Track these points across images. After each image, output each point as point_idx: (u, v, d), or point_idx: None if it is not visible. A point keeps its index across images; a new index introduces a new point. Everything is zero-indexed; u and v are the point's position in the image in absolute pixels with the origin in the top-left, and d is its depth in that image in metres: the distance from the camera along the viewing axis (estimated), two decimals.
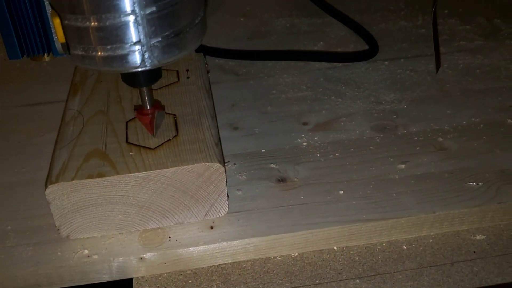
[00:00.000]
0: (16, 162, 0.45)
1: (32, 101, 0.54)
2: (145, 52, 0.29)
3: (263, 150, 0.45)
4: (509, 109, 0.49)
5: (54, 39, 0.36)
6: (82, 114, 0.41)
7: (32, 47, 0.39)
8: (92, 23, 0.28)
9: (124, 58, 0.29)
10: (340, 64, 0.57)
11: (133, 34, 0.29)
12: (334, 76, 0.55)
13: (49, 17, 0.35)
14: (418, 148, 0.44)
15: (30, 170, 0.44)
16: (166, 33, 0.30)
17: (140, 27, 0.29)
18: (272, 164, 0.43)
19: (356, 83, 0.54)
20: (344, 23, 0.65)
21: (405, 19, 0.66)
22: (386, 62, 0.57)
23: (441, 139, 0.45)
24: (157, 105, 0.37)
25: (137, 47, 0.29)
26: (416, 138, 0.46)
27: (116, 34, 0.28)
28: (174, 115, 0.40)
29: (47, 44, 0.39)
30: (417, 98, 0.51)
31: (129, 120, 0.40)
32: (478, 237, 0.39)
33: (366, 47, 0.60)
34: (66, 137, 0.38)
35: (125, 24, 0.28)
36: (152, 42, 0.29)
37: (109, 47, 0.29)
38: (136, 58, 0.29)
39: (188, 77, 0.45)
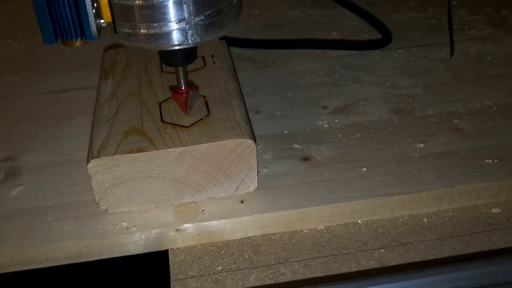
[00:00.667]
0: (49, 145, 0.47)
1: (57, 89, 0.56)
2: (188, 30, 0.31)
3: (285, 132, 0.47)
4: None
5: (91, 23, 0.38)
6: (116, 96, 0.42)
7: (66, 31, 0.41)
8: (140, 2, 0.30)
9: (169, 35, 0.31)
10: (355, 52, 0.59)
11: (178, 12, 0.31)
12: (350, 63, 0.57)
13: (85, 1, 0.37)
14: (435, 129, 0.46)
15: (63, 151, 0.46)
16: (208, 12, 0.32)
17: (185, 6, 0.30)
18: (295, 145, 0.45)
19: (372, 69, 0.56)
20: (356, 14, 0.67)
21: (415, 10, 0.68)
22: (400, 50, 0.59)
23: (456, 120, 0.47)
24: (191, 85, 0.39)
25: (182, 25, 0.31)
26: (432, 120, 0.48)
27: (162, 12, 0.30)
28: (204, 96, 0.42)
29: (80, 29, 0.41)
30: (431, 83, 0.53)
31: (162, 101, 0.42)
32: (494, 211, 0.41)
33: (379, 36, 0.62)
34: (103, 117, 0.40)
35: (172, 3, 0.30)
36: (195, 20, 0.31)
37: (155, 24, 0.31)
38: (180, 35, 0.31)
39: (214, 62, 0.47)
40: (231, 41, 0.61)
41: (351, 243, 0.39)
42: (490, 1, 0.69)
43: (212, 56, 0.48)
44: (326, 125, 0.48)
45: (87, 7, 0.37)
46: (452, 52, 0.52)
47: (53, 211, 0.40)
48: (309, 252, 0.38)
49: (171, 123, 0.39)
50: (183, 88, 0.38)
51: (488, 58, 0.57)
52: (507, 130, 0.46)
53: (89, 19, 0.38)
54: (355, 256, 0.38)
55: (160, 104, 0.41)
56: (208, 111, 0.40)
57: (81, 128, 0.48)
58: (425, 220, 0.40)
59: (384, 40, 0.60)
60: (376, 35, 0.62)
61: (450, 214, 0.41)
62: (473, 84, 0.53)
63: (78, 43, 0.41)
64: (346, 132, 0.47)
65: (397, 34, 0.62)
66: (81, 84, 0.56)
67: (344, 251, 0.38)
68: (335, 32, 0.64)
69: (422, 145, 0.44)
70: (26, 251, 0.37)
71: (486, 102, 0.50)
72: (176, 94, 0.38)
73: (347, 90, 0.52)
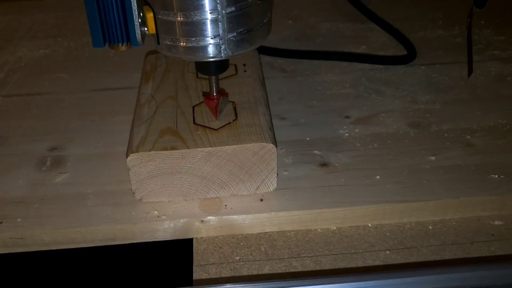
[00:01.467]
0: (92, 138, 0.52)
1: (101, 87, 0.61)
2: (222, 44, 0.35)
3: (307, 138, 0.51)
4: None
5: (137, 31, 0.43)
6: (155, 98, 0.47)
7: (113, 37, 0.45)
8: (181, 19, 0.35)
9: (205, 49, 0.36)
10: (381, 66, 0.62)
11: (214, 29, 0.35)
12: (375, 76, 0.60)
13: (132, 11, 0.42)
14: (448, 143, 0.49)
15: (104, 145, 0.51)
16: (240, 29, 0.36)
17: (220, 24, 0.35)
18: (315, 151, 0.49)
19: (395, 84, 0.59)
20: (385, 30, 0.70)
21: (442, 28, 0.71)
22: (423, 67, 0.62)
23: (469, 136, 0.50)
24: (222, 92, 0.43)
25: (216, 40, 0.35)
26: (446, 134, 0.50)
27: (200, 29, 0.35)
28: (233, 102, 0.46)
29: (126, 35, 0.45)
30: (450, 100, 0.56)
31: (195, 105, 0.46)
32: (496, 223, 0.43)
33: (405, 52, 0.65)
34: (143, 116, 0.45)
35: (209, 21, 0.34)
36: (228, 37, 0.35)
37: (193, 39, 0.35)
38: (214, 49, 0.36)
39: (245, 71, 0.51)
40: (264, 50, 0.65)
41: (360, 243, 0.42)
42: None
43: (244, 65, 0.52)
44: (346, 134, 0.51)
45: (134, 16, 0.42)
46: (470, 72, 0.55)
47: (93, 197, 0.44)
48: (320, 249, 0.42)
49: (202, 125, 0.43)
50: (214, 94, 0.42)
51: (508, 78, 0.59)
52: None
53: (135, 26, 0.43)
54: (362, 256, 0.41)
55: (193, 107, 0.46)
56: (236, 116, 0.44)
57: (121, 125, 0.53)
58: (430, 227, 0.43)
59: (408, 56, 0.63)
60: (402, 51, 0.65)
61: (454, 223, 0.44)
62: (490, 102, 0.55)
63: (123, 47, 0.46)
64: (365, 141, 0.50)
65: (422, 51, 0.65)
66: (123, 84, 0.61)
67: (352, 251, 0.42)
68: (363, 46, 0.67)
69: (434, 157, 0.47)
70: (67, 232, 0.42)
71: (500, 120, 0.52)
72: (208, 100, 0.43)
73: (370, 102, 0.56)
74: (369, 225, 0.44)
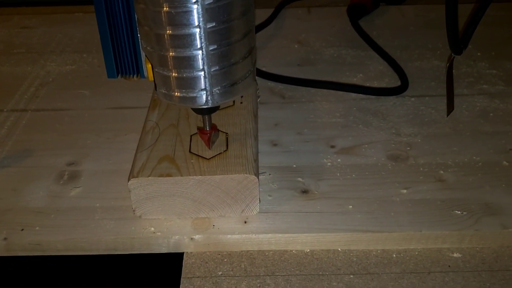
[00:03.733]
0: (105, 155, 0.59)
1: (118, 105, 0.67)
2: (208, 95, 0.41)
3: (294, 165, 0.56)
4: (508, 152, 0.57)
5: (144, 67, 0.49)
6: (159, 126, 0.53)
7: (125, 69, 0.52)
8: (174, 74, 0.41)
9: (194, 99, 0.42)
10: (373, 96, 0.67)
11: (201, 84, 0.41)
12: (366, 107, 0.65)
13: (140, 51, 0.48)
14: (421, 177, 0.54)
15: (115, 162, 0.58)
16: (224, 84, 0.42)
17: (207, 79, 0.41)
18: (299, 178, 0.55)
19: (383, 115, 0.64)
20: (383, 58, 0.74)
21: (439, 58, 0.75)
22: (413, 99, 0.67)
23: (442, 172, 0.55)
24: (214, 127, 0.49)
25: (203, 92, 0.41)
26: (421, 168, 0.55)
27: (190, 83, 0.41)
28: (227, 133, 0.52)
29: (137, 69, 0.52)
30: (431, 134, 0.60)
31: (193, 134, 0.52)
32: (455, 255, 0.48)
33: (399, 82, 0.70)
34: (146, 143, 0.51)
35: (197, 77, 0.41)
36: (213, 90, 0.41)
37: (184, 90, 0.41)
38: (202, 99, 0.42)
39: (241, 102, 0.57)
40: (267, 75, 0.71)
41: (328, 266, 0.48)
42: None
43: (241, 96, 0.58)
44: (329, 163, 0.56)
45: (142, 53, 0.48)
46: (448, 111, 0.59)
47: (100, 211, 0.51)
48: (292, 269, 0.48)
49: (196, 154, 0.50)
50: (207, 129, 0.48)
51: (491, 114, 0.63)
52: (484, 186, 0.53)
53: (143, 62, 0.49)
54: (328, 278, 0.47)
55: (191, 136, 0.52)
56: (227, 147, 0.50)
57: (132, 143, 0.59)
58: (394, 255, 0.49)
59: (399, 88, 0.67)
60: (396, 81, 0.70)
61: (416, 253, 0.49)
62: (468, 138, 0.59)
63: (135, 78, 0.53)
64: (345, 171, 0.55)
65: (415, 82, 0.70)
66: (138, 103, 0.67)
67: (320, 272, 0.47)
68: (360, 75, 0.72)
69: (405, 190, 0.52)
70: (76, 241, 0.49)
71: (474, 157, 0.57)
72: (202, 133, 0.49)
73: (356, 133, 0.61)
74: (339, 249, 0.49)
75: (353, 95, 0.68)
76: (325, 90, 0.69)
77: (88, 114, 0.66)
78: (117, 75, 0.53)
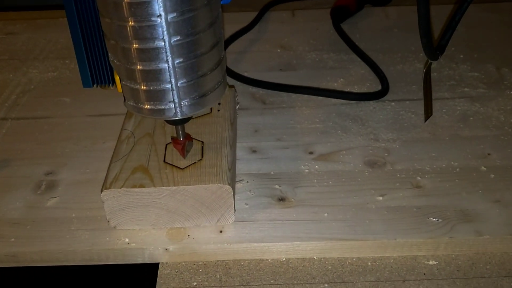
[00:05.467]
0: (83, 164, 0.59)
1: (97, 113, 0.67)
2: (177, 108, 0.41)
3: (272, 173, 0.56)
4: (486, 157, 0.57)
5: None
6: (134, 135, 0.53)
7: (101, 78, 0.52)
8: (141, 87, 0.41)
9: (163, 111, 0.42)
10: (353, 101, 0.67)
11: (169, 96, 0.41)
12: (345, 112, 0.65)
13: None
14: (397, 184, 0.54)
15: (92, 171, 0.58)
16: (193, 96, 0.42)
17: (175, 92, 0.40)
18: (276, 185, 0.54)
19: (362, 120, 0.64)
20: (365, 62, 0.74)
21: (422, 61, 0.75)
22: (393, 103, 0.66)
23: (419, 178, 0.55)
24: (187, 137, 0.49)
25: (172, 104, 0.41)
26: (398, 175, 0.55)
27: (158, 96, 0.41)
28: (202, 142, 0.52)
29: (112, 78, 0.51)
30: (410, 139, 0.60)
31: (168, 143, 0.52)
32: (430, 262, 0.48)
33: (380, 86, 0.69)
34: (121, 153, 0.51)
35: (164, 90, 0.40)
36: (182, 102, 0.41)
37: (152, 103, 0.41)
38: (171, 111, 0.42)
39: (218, 110, 0.56)
40: (249, 81, 0.71)
41: (303, 275, 0.48)
42: (495, 58, 0.75)
43: (219, 104, 0.57)
44: (307, 170, 0.56)
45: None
46: (426, 117, 0.59)
47: (76, 222, 0.51)
48: (268, 278, 0.48)
49: (170, 164, 0.49)
50: (181, 139, 0.48)
51: (471, 118, 0.63)
52: (461, 193, 0.53)
53: None
54: (303, 287, 0.47)
55: (166, 145, 0.52)
56: (202, 156, 0.50)
57: (109, 151, 0.58)
58: (369, 263, 0.49)
59: (380, 93, 0.67)
60: (377, 85, 0.70)
61: (392, 260, 0.49)
62: (447, 143, 0.59)
63: (111, 87, 0.52)
64: (322, 178, 0.55)
65: (396, 86, 0.70)
66: (118, 111, 0.67)
67: (295, 281, 0.47)
68: (341, 79, 0.72)
69: (381, 198, 0.52)
70: (52, 252, 0.49)
71: (452, 162, 0.57)
72: (175, 143, 0.49)
73: (334, 139, 0.61)
74: (315, 257, 0.49)
75: (333, 100, 0.67)
76: (305, 96, 0.68)
77: (67, 122, 0.66)
78: (93, 85, 0.53)
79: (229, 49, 0.81)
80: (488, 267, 0.48)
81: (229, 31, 0.84)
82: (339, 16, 0.85)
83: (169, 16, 0.37)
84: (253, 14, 0.89)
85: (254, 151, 0.59)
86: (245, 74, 0.73)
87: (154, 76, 0.40)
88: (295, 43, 0.81)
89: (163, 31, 0.38)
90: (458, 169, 0.56)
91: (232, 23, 0.86)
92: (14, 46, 0.84)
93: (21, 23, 0.92)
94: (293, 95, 0.69)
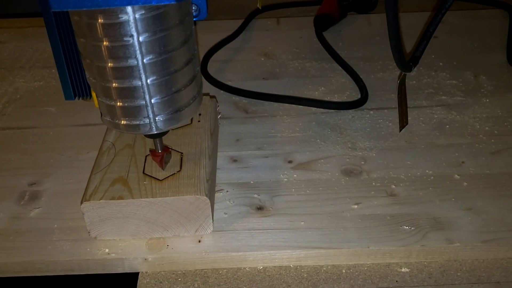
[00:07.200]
0: (66, 174, 0.60)
1: (82, 122, 0.68)
2: (152, 123, 0.43)
3: (251, 182, 0.57)
4: (460, 165, 0.59)
5: None
6: (115, 146, 0.55)
7: (82, 91, 0.53)
8: (118, 104, 0.42)
9: (138, 126, 0.43)
10: (333, 110, 0.68)
11: (144, 112, 0.42)
12: (325, 121, 0.66)
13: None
14: (373, 192, 0.55)
15: (76, 181, 0.59)
16: (167, 111, 0.43)
17: (149, 108, 0.42)
18: (255, 195, 0.56)
19: (341, 129, 0.65)
20: (346, 71, 0.76)
21: None
22: (372, 112, 0.68)
23: (394, 186, 0.56)
24: (166, 149, 0.50)
25: (147, 120, 0.42)
26: (374, 183, 0.57)
27: (133, 112, 0.42)
28: (181, 153, 0.53)
29: None
30: (386, 147, 0.62)
31: (148, 155, 0.53)
32: (403, 270, 0.50)
33: (359, 95, 0.71)
34: (101, 164, 0.52)
35: (139, 106, 0.42)
36: (156, 117, 0.42)
37: (127, 118, 0.42)
38: (146, 127, 0.43)
39: (199, 121, 0.58)
40: (232, 90, 0.72)
41: (278, 283, 0.49)
42: (473, 65, 0.76)
43: (199, 114, 0.59)
44: (285, 179, 0.58)
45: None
46: (401, 127, 0.60)
47: (58, 232, 0.52)
48: (245, 287, 0.49)
49: (149, 175, 0.51)
50: (159, 151, 0.49)
51: (447, 126, 0.65)
52: (434, 201, 0.54)
53: None
54: None
55: (146, 157, 0.53)
56: (181, 168, 0.51)
57: (93, 161, 0.60)
58: (344, 271, 0.50)
59: (358, 102, 0.69)
60: (357, 94, 0.71)
61: (366, 268, 0.50)
62: (422, 151, 0.61)
63: (93, 100, 0.53)
64: (300, 187, 0.56)
65: (376, 94, 0.71)
66: None
67: None
68: (322, 88, 0.73)
69: (356, 206, 0.54)
70: (33, 263, 0.50)
71: (427, 171, 0.58)
72: (154, 156, 0.50)
73: (313, 148, 0.62)
74: (291, 265, 0.50)
75: (314, 109, 0.69)
76: (287, 105, 0.70)
77: (53, 132, 0.67)
78: (75, 97, 0.54)
79: (213, 57, 0.82)
80: (459, 274, 0.49)
81: (215, 39, 0.85)
82: (322, 24, 0.86)
83: (141, 36, 0.38)
84: (238, 22, 0.90)
85: (235, 160, 0.61)
86: (229, 83, 0.74)
87: (128, 93, 0.41)
88: (279, 51, 0.83)
89: (135, 51, 0.39)
90: (432, 177, 0.57)
91: (219, 31, 0.88)
92: (1, 55, 0.85)
93: (9, 31, 0.93)
94: (275, 104, 0.70)
